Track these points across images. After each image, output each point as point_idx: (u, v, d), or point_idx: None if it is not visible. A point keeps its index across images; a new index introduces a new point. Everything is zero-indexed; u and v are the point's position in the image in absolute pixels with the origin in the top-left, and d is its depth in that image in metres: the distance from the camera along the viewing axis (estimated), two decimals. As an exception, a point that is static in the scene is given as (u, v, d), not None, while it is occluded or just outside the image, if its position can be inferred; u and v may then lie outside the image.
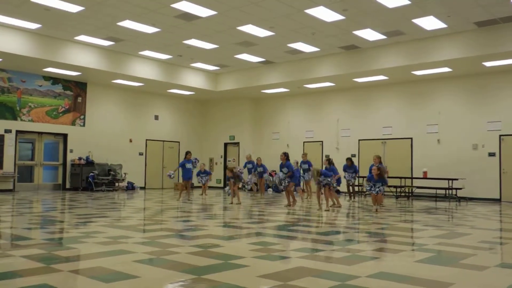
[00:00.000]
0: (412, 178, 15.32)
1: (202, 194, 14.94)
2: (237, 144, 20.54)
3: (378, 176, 10.41)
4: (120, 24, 12.87)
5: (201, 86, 18.59)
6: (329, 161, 12.24)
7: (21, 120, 15.87)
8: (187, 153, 13.81)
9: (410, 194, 15.21)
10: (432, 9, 11.45)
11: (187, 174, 13.39)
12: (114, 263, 4.30)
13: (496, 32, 12.54)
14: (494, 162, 14.49)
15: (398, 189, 15.15)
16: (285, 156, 11.56)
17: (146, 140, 19.61)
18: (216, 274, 3.94)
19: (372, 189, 10.42)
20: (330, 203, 11.15)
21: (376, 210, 10.23)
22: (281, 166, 11.58)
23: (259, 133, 20.53)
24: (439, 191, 14.57)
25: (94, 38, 14.30)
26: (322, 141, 18.46)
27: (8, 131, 15.52)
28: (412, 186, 15.13)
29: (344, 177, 13.70)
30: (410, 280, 3.83)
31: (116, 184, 17.52)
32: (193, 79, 18.33)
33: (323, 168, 12.03)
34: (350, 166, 13.70)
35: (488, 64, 13.68)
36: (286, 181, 11.45)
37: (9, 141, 15.55)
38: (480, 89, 14.92)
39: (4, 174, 15.25)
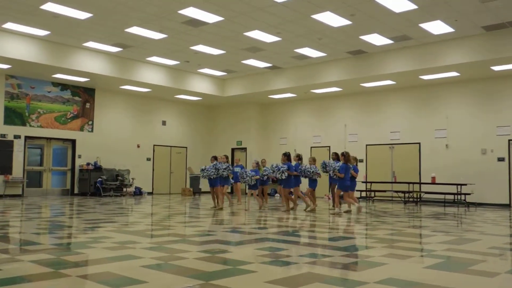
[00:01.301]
0: (420, 183, 15.24)
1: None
2: (245, 149, 20.55)
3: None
4: (128, 31, 12.96)
5: (208, 91, 18.66)
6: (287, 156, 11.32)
7: (30, 126, 16.00)
8: (212, 158, 12.68)
9: (418, 200, 15.11)
10: (439, 14, 11.42)
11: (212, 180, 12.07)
12: (122, 268, 4.31)
13: (504, 36, 12.48)
14: (504, 167, 14.37)
15: (406, 195, 15.07)
16: (285, 156, 11.23)
17: (154, 145, 19.68)
18: (223, 279, 3.93)
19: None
20: (291, 205, 11.35)
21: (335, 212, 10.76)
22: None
23: (266, 138, 20.53)
24: (447, 197, 14.47)
25: (102, 44, 14.41)
26: (329, 146, 18.42)
27: (17, 137, 15.65)
28: (420, 192, 15.04)
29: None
30: (419, 286, 3.79)
31: (124, 189, 17.59)
32: (200, 84, 18.40)
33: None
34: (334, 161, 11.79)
35: (496, 68, 13.60)
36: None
37: (18, 146, 15.68)
38: (488, 93, 14.84)
39: (13, 179, 15.37)
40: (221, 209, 11.61)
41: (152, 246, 5.74)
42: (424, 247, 6.13)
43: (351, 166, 11.02)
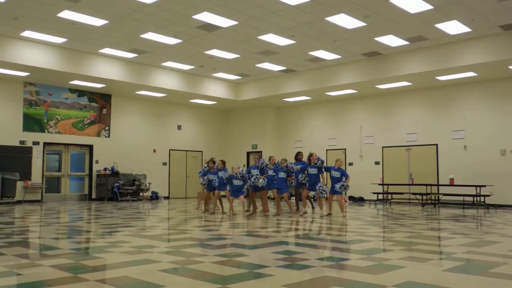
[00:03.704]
0: (438, 185, 15.04)
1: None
2: (260, 152, 20.53)
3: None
4: (143, 36, 13.09)
5: (223, 95, 18.72)
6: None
7: (49, 132, 16.24)
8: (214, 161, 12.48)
9: (436, 202, 14.93)
10: (455, 14, 11.29)
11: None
12: (140, 273, 4.33)
13: (523, 35, 12.28)
14: (524, 168, 14.12)
15: (424, 197, 14.89)
16: (222, 163, 11.47)
17: (170, 150, 19.80)
18: (240, 283, 3.93)
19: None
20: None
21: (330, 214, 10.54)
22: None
23: (281, 141, 20.50)
24: (466, 198, 14.24)
25: (118, 50, 14.57)
26: (345, 149, 18.31)
27: (36, 143, 15.89)
28: (438, 193, 14.85)
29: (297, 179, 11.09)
30: (438, 289, 3.74)
31: (141, 194, 17.73)
32: (215, 88, 18.48)
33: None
34: (298, 162, 11.42)
35: (514, 67, 13.40)
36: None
37: (37, 153, 15.91)
38: (506, 93, 14.59)
39: (33, 185, 15.59)
40: (207, 211, 11.85)
41: (169, 250, 5.77)
42: (443, 250, 6.04)
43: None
